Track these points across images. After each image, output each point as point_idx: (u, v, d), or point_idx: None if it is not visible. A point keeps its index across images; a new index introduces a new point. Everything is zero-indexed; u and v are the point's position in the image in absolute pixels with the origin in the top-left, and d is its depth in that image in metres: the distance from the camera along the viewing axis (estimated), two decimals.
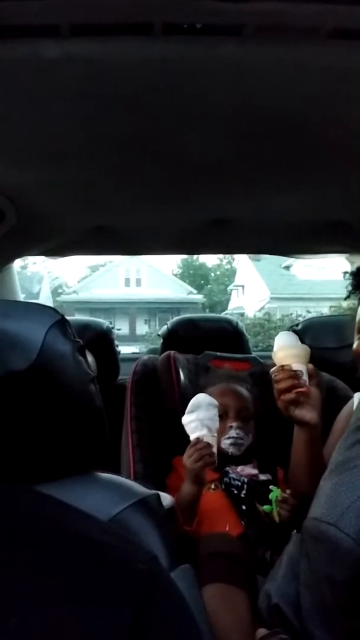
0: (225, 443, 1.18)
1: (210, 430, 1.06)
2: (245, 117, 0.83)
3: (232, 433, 1.19)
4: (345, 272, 1.07)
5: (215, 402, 1.10)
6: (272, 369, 1.03)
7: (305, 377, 0.98)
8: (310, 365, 1.01)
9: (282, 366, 1.00)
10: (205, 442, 1.04)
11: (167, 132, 0.89)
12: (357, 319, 1.02)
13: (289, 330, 1.97)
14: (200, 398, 1.10)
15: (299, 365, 0.99)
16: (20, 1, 0.59)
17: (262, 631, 0.70)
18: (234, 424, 1.20)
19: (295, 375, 0.98)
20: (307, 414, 0.99)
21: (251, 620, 0.80)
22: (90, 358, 1.59)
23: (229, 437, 1.19)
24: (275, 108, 0.80)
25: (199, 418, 1.07)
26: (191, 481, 1.04)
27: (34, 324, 0.53)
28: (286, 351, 1.01)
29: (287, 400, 0.98)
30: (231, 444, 1.18)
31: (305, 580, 0.69)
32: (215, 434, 1.07)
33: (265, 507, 1.03)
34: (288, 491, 1.02)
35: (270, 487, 1.04)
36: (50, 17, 0.62)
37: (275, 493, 1.02)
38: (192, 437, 1.07)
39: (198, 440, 1.05)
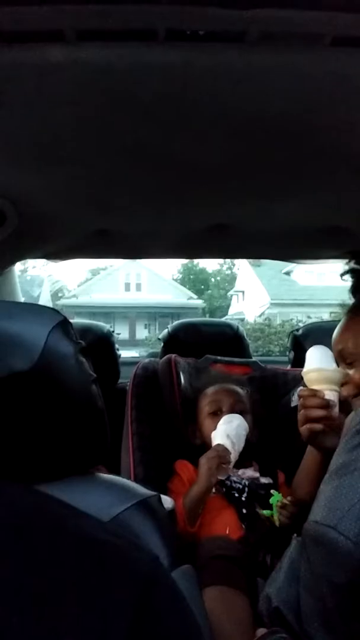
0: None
1: (233, 444, 1.10)
2: (247, 123, 0.84)
3: None
4: (345, 273, 0.96)
5: (246, 425, 1.16)
6: (300, 389, 0.95)
7: (336, 408, 0.89)
8: (344, 390, 0.91)
9: (314, 391, 0.90)
10: (225, 447, 1.09)
11: (169, 137, 0.90)
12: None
13: (290, 334, 1.97)
14: (235, 417, 1.16)
15: (332, 394, 0.89)
16: (25, 6, 0.60)
17: (261, 630, 0.70)
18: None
19: (327, 404, 0.89)
20: (329, 441, 0.88)
21: (251, 623, 0.80)
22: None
23: None
24: (278, 114, 0.80)
25: (227, 430, 1.12)
26: (202, 480, 1.06)
27: (37, 325, 0.53)
28: (320, 374, 0.90)
29: (314, 430, 0.90)
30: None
31: (306, 584, 0.69)
32: (237, 450, 1.11)
33: (265, 512, 1.03)
34: (289, 498, 1.02)
35: (272, 491, 1.04)
36: (54, 23, 0.63)
37: (276, 497, 1.02)
38: (215, 443, 1.12)
39: (219, 444, 1.10)
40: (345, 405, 0.91)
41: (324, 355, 0.92)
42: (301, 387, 0.94)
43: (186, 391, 1.33)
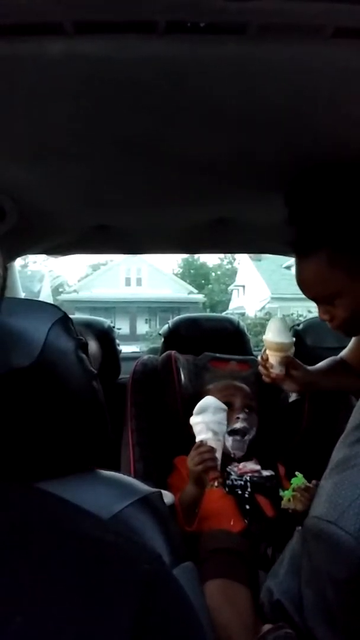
0: (229, 440, 1.19)
1: (215, 434, 1.05)
2: (247, 116, 0.83)
3: (238, 424, 1.20)
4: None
5: (223, 406, 1.10)
6: (260, 355, 1.17)
7: (277, 368, 1.14)
8: (289, 355, 1.15)
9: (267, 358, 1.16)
10: (209, 446, 1.04)
11: (169, 130, 0.89)
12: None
13: (291, 329, 1.97)
14: (209, 401, 1.09)
15: (273, 359, 1.14)
16: None
17: (267, 627, 0.70)
18: (240, 416, 1.21)
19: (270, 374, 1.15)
20: (290, 386, 1.19)
21: (253, 616, 0.80)
22: (95, 347, 1.57)
23: (234, 430, 1.20)
24: (278, 107, 0.80)
25: (204, 421, 1.06)
26: (193, 482, 1.04)
27: (37, 321, 0.53)
28: (276, 345, 1.14)
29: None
30: (235, 442, 1.19)
31: (307, 578, 0.69)
32: (221, 438, 1.07)
33: (286, 493, 1.01)
34: (314, 481, 0.99)
35: (296, 473, 1.02)
36: (53, 15, 0.62)
37: (299, 479, 1.01)
38: (197, 439, 1.07)
39: (201, 443, 1.05)
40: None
41: (277, 330, 1.16)
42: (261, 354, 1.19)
43: (187, 387, 1.33)
